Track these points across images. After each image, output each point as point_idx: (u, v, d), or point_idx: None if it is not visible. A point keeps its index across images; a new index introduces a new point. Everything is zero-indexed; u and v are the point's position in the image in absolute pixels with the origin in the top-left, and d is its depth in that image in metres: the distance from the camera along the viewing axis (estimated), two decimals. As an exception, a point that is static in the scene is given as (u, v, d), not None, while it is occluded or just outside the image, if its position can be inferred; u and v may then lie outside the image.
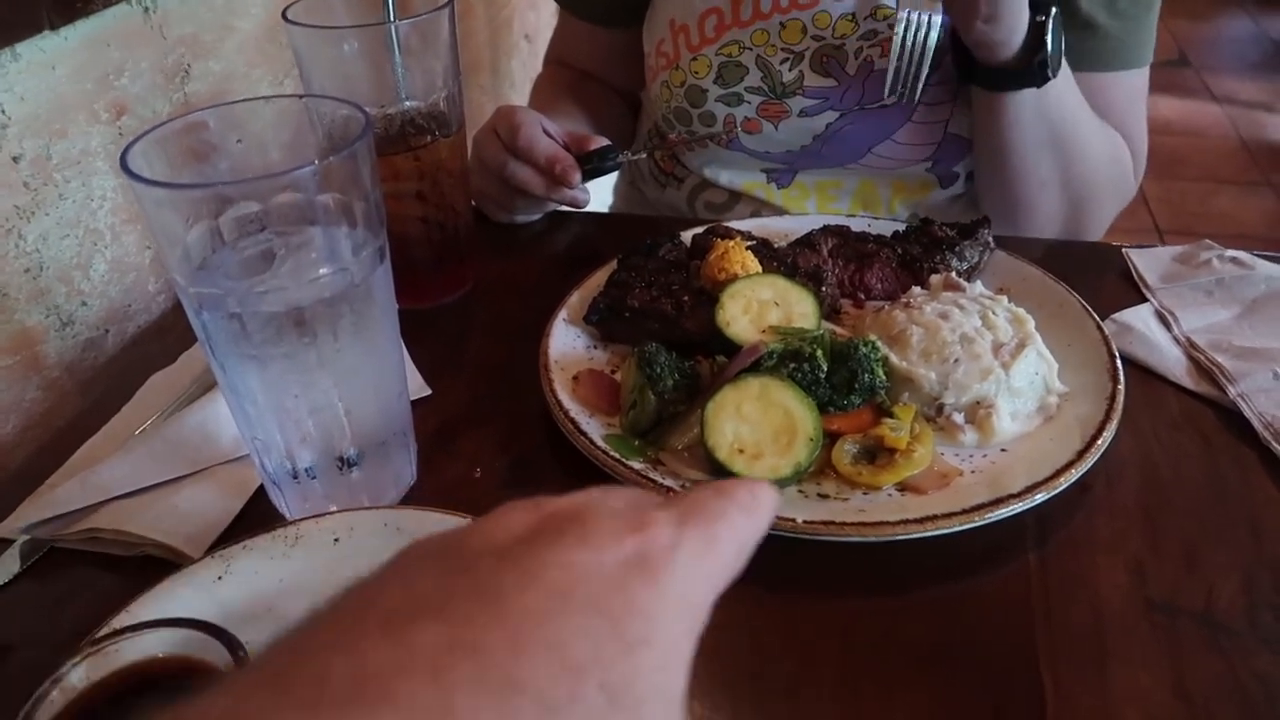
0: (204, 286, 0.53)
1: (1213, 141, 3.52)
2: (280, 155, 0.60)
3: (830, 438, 0.61)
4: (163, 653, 0.43)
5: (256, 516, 0.61)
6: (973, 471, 0.61)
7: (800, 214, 1.04)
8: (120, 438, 0.68)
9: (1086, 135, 0.94)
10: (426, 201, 0.79)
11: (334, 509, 0.58)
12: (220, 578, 0.54)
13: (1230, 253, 0.81)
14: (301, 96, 0.59)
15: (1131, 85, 0.99)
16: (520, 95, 1.69)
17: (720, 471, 0.58)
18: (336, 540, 0.56)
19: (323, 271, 0.55)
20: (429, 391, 0.72)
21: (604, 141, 0.90)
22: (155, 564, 0.58)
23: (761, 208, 1.09)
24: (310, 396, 0.56)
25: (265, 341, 0.54)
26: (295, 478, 0.59)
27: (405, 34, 0.74)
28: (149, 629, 0.44)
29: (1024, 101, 0.87)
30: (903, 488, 0.59)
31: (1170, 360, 0.71)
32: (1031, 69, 0.84)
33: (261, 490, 0.62)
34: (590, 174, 0.89)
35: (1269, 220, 3.03)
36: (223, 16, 0.98)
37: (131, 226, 0.88)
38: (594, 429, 0.63)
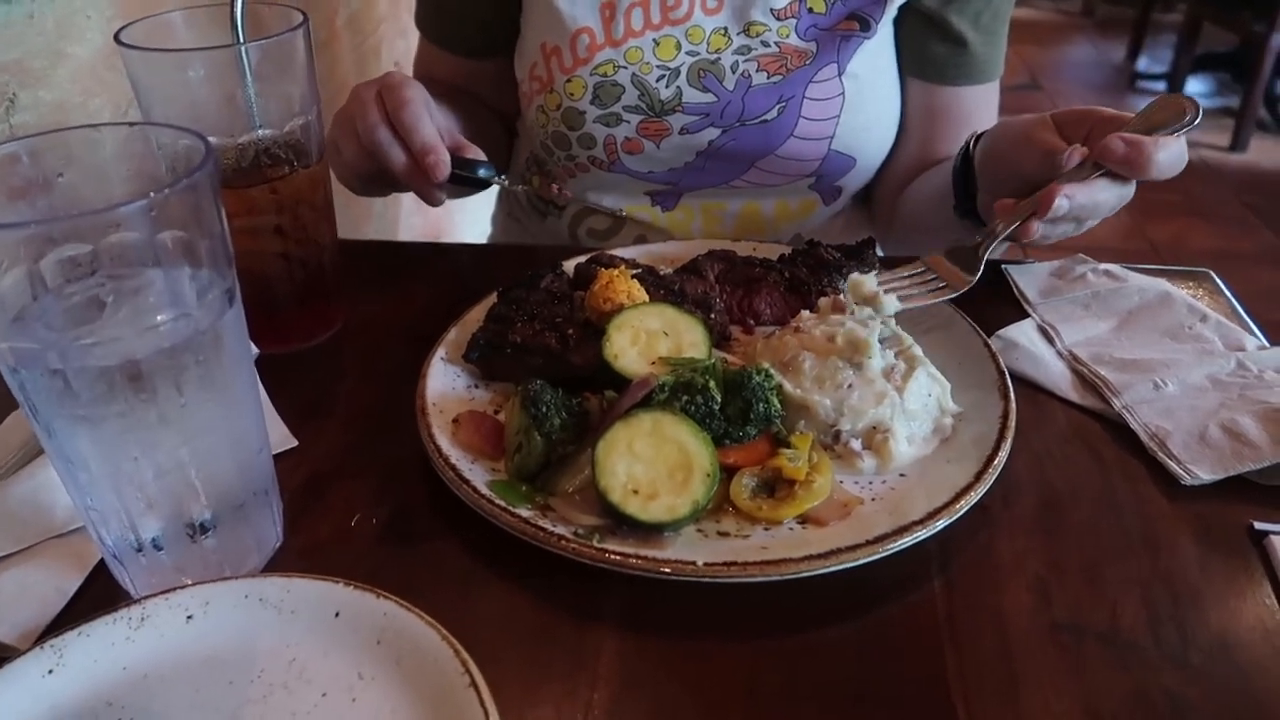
0: (18, 341, 0.46)
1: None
2: (114, 190, 0.54)
3: (727, 471, 0.58)
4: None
5: (97, 596, 0.55)
6: (873, 499, 0.59)
7: (685, 238, 1.02)
8: (-66, 513, 0.60)
9: None
10: (286, 236, 0.73)
11: (187, 582, 0.52)
12: (51, 671, 0.47)
13: (1103, 266, 0.82)
14: (133, 124, 0.53)
15: (990, 96, 1.03)
16: (391, 124, 1.62)
17: (613, 515, 0.55)
18: (190, 618, 0.50)
19: (161, 318, 0.49)
20: (295, 442, 0.66)
21: (480, 154, 0.83)
22: (-27, 659, 0.51)
23: (646, 232, 1.07)
24: (153, 458, 0.50)
25: (96, 400, 0.47)
26: (140, 550, 0.53)
27: (256, 57, 0.68)
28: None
29: None
30: (804, 520, 0.57)
31: (1056, 375, 0.71)
32: None
33: (102, 565, 0.56)
34: (457, 179, 0.81)
35: (1121, 233, 3.21)
36: (53, 41, 0.89)
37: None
38: (477, 475, 0.59)
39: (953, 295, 0.74)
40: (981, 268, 0.75)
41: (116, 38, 0.66)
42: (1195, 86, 4.37)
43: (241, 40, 0.68)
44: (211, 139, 0.66)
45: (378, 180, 0.84)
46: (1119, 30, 4.95)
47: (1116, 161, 0.70)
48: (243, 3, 0.71)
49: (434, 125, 0.78)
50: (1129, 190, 0.74)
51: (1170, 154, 0.70)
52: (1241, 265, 3.01)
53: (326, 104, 0.78)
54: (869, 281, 0.73)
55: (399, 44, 1.66)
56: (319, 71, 1.32)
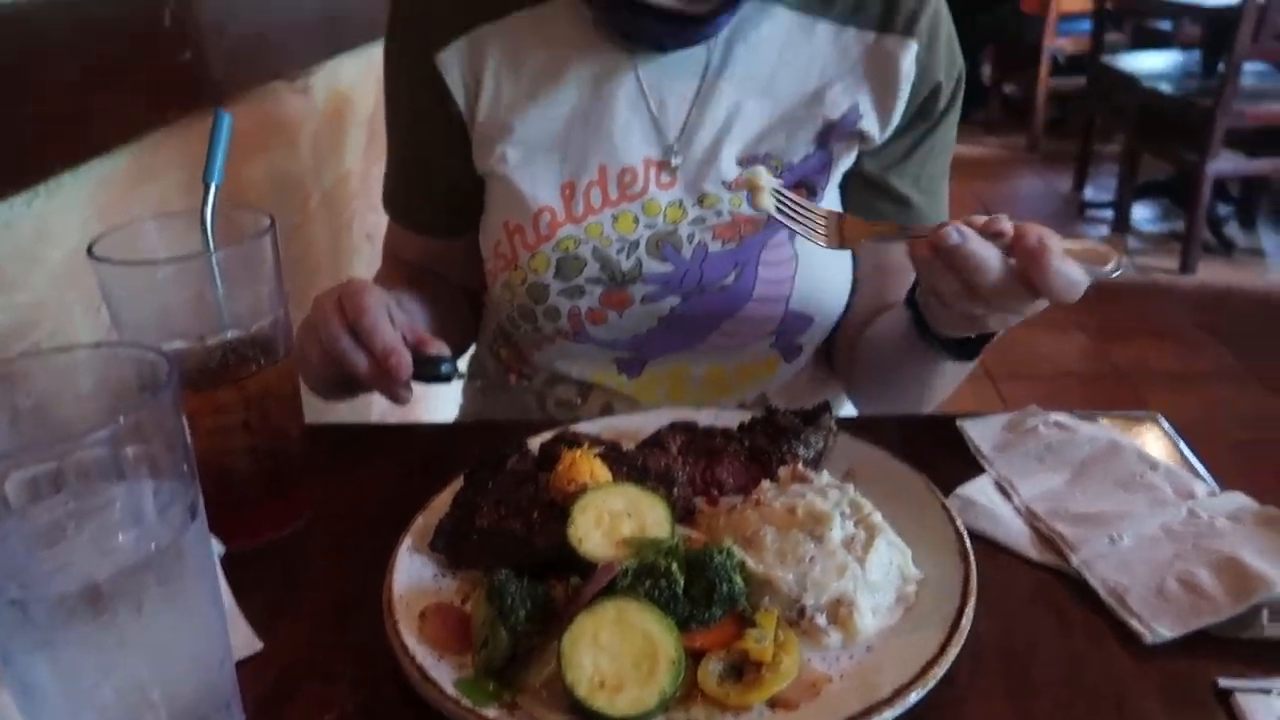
0: (-22, 572, 0.47)
1: (1024, 289, 3.84)
2: (82, 406, 0.55)
3: (694, 656, 0.58)
4: None
5: (50, 826, 0.53)
6: (841, 676, 0.59)
7: (651, 405, 1.04)
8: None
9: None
10: (254, 431, 0.75)
11: (145, 806, 0.51)
12: None
13: (1054, 417, 0.85)
14: (98, 346, 0.55)
15: None
16: (364, 294, 1.67)
17: (581, 711, 0.54)
18: (146, 847, 0.49)
19: (123, 538, 0.50)
20: (260, 646, 0.66)
21: (444, 349, 0.86)
22: None
23: (613, 399, 1.09)
24: (112, 681, 0.50)
25: (54, 626, 0.47)
26: (97, 774, 0.51)
27: (226, 262, 0.71)
28: None
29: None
30: (774, 703, 0.57)
31: (1015, 532, 0.72)
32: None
33: (58, 790, 0.54)
34: (420, 377, 0.84)
35: (1084, 357, 3.29)
36: (30, 247, 0.92)
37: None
38: (444, 673, 0.58)
39: (822, 244, 0.77)
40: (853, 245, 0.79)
41: (89, 251, 0.69)
42: (1141, 213, 4.57)
43: (211, 248, 0.71)
44: (179, 343, 0.69)
45: (345, 385, 0.87)
46: (1064, 162, 5.19)
47: (1024, 248, 0.69)
48: (213, 209, 0.74)
49: (393, 327, 0.80)
50: (1018, 299, 0.73)
51: (1070, 271, 0.69)
52: (1203, 384, 3.07)
53: (302, 287, 0.81)
54: (763, 176, 0.76)
55: (370, 218, 1.72)
56: (294, 254, 1.37)
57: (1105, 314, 3.59)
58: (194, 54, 1.10)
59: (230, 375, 0.73)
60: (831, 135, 0.99)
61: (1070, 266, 0.69)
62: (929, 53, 0.98)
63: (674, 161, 0.99)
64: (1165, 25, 5.02)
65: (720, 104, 0.99)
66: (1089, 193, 4.85)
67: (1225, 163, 3.75)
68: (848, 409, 1.20)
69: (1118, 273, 0.71)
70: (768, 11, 0.98)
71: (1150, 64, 4.40)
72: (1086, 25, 5.16)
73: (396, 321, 0.81)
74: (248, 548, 0.75)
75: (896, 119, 1.00)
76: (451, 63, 1.01)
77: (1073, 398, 3.03)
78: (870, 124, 0.99)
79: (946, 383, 1.01)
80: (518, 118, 1.00)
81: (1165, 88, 3.96)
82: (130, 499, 0.52)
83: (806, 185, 1.00)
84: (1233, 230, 4.25)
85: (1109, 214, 4.51)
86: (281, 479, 0.78)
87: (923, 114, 1.01)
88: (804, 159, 0.99)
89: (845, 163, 1.02)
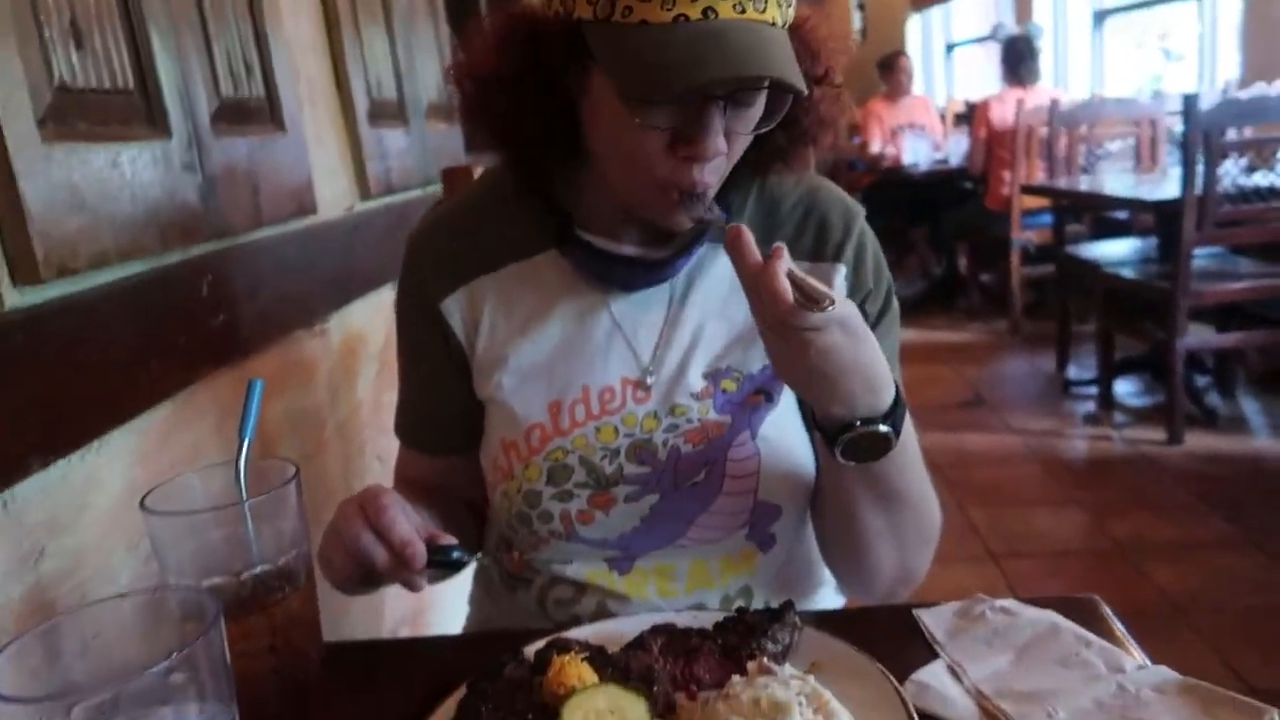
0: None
1: (1018, 469, 3.93)
2: (137, 643, 0.65)
3: (672, 842, 0.65)
4: None
5: None
6: None
7: (641, 600, 1.13)
8: None
9: (917, 487, 1.07)
10: (279, 654, 0.84)
11: None
12: None
13: (999, 603, 0.93)
14: (155, 591, 0.66)
15: None
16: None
17: None
18: None
19: (173, 757, 0.59)
20: None
21: (451, 540, 0.95)
22: None
23: (606, 598, 1.17)
24: None
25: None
26: None
27: (257, 508, 0.83)
28: None
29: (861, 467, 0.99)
30: None
31: (964, 711, 0.80)
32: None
33: None
34: (434, 564, 0.93)
35: (1082, 533, 3.34)
36: (80, 495, 1.04)
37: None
38: None
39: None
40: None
41: (141, 504, 0.81)
42: (1123, 388, 4.72)
43: (245, 497, 0.83)
44: (217, 578, 0.80)
45: (365, 580, 0.96)
46: (1045, 343, 5.39)
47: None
48: (246, 460, 0.87)
49: (409, 523, 0.91)
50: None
51: (779, 285, 0.84)
52: (1203, 553, 3.10)
53: (318, 508, 0.91)
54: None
55: (380, 441, 1.85)
56: (309, 479, 1.49)
57: (1098, 488, 3.67)
58: (227, 317, 1.27)
59: (259, 604, 0.83)
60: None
61: (781, 282, 0.83)
62: (855, 273, 1.15)
63: (648, 380, 1.13)
64: (1122, 215, 5.35)
65: (685, 329, 1.14)
66: (1072, 371, 5.02)
67: (1194, 338, 3.93)
68: (836, 599, 1.28)
69: (831, 307, 0.83)
70: (718, 252, 1.15)
71: (1110, 251, 4.68)
72: (1049, 218, 5.51)
73: (411, 520, 0.92)
74: (272, 764, 0.83)
75: None
76: (453, 308, 1.17)
77: (1073, 573, 3.06)
78: None
79: (871, 527, 1.06)
80: (511, 350, 1.14)
81: (1126, 273, 4.20)
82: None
83: (764, 392, 1.13)
84: (1214, 399, 4.38)
85: (1093, 390, 4.66)
86: (303, 697, 0.86)
87: None
88: (761, 369, 1.13)
89: None
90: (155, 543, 0.82)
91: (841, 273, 1.14)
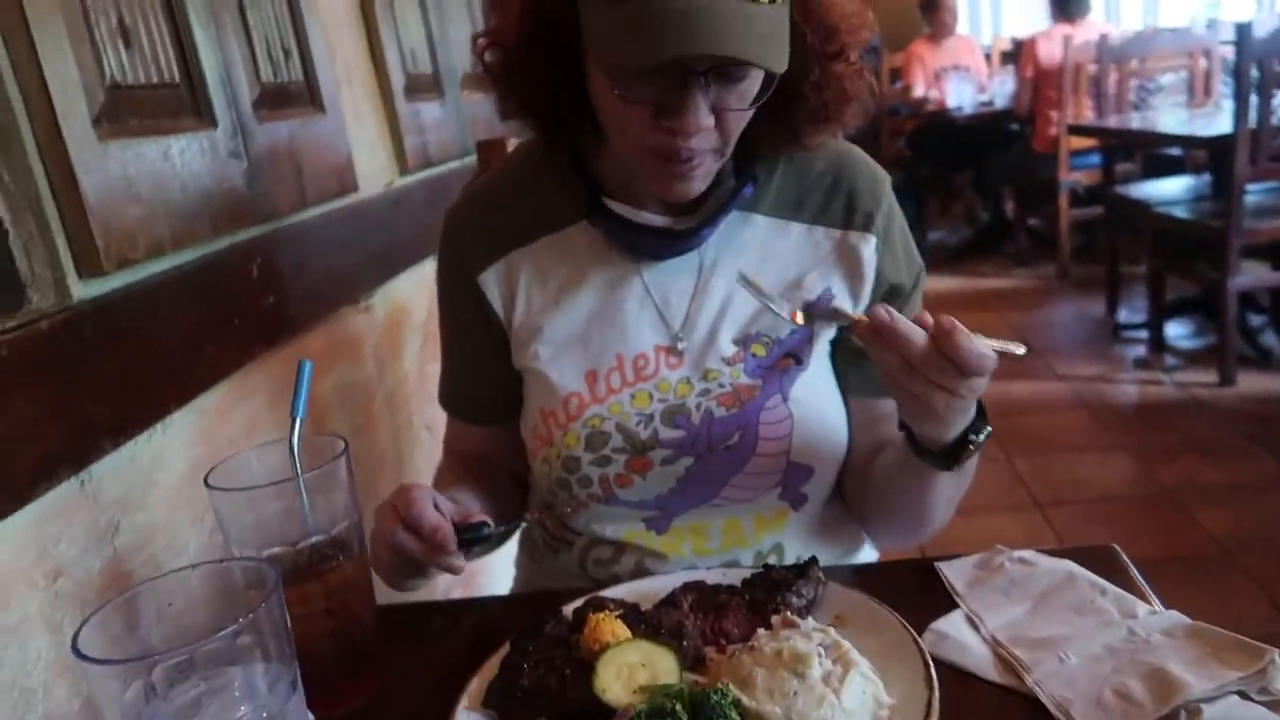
0: (142, 746, 0.62)
1: (1064, 416, 3.90)
2: (206, 610, 0.72)
3: (698, 785, 0.70)
4: None
5: None
6: (824, 793, 0.70)
7: (678, 558, 1.18)
8: None
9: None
10: (335, 617, 0.90)
11: None
12: None
13: (1018, 554, 0.97)
14: (222, 561, 0.72)
15: None
16: (426, 480, 1.85)
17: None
18: None
19: (244, 710, 0.65)
20: (345, 798, 0.79)
21: (481, 517, 1.01)
22: None
23: (644, 556, 1.22)
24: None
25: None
26: None
27: (311, 482, 0.89)
28: None
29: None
30: (766, 818, 0.68)
31: (980, 659, 0.84)
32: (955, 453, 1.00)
33: None
34: (465, 544, 0.99)
35: (1128, 480, 3.32)
36: (148, 473, 1.12)
37: (61, 680, 0.95)
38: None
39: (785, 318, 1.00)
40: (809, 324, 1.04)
41: (205, 481, 0.87)
42: (1174, 330, 4.64)
43: (299, 472, 0.89)
44: (276, 548, 0.86)
45: (411, 572, 1.02)
46: (1094, 287, 5.31)
47: (938, 327, 0.87)
48: (299, 437, 0.93)
49: (439, 512, 0.96)
50: (950, 378, 0.88)
51: (976, 345, 0.86)
52: (1254, 497, 3.08)
53: (369, 479, 0.97)
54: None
55: (427, 410, 1.92)
56: (360, 451, 1.56)
57: (1147, 433, 3.64)
58: (276, 298, 1.33)
59: (315, 571, 0.89)
60: (811, 313, 1.16)
61: (975, 342, 0.87)
62: (885, 243, 1.17)
63: (680, 346, 1.17)
64: (1175, 151, 5.21)
65: (714, 296, 1.17)
66: (1122, 315, 4.94)
67: (1247, 277, 3.85)
68: (865, 554, 1.32)
69: (1022, 350, 0.90)
70: (747, 220, 1.18)
71: (1161, 190, 4.57)
72: (1098, 159, 5.39)
73: (443, 508, 0.98)
74: (332, 716, 0.89)
75: (865, 299, 1.17)
76: (490, 282, 1.22)
77: (1120, 520, 3.06)
78: (844, 302, 1.17)
79: (943, 500, 1.12)
80: (546, 321, 1.19)
81: (1178, 212, 4.11)
82: (246, 679, 0.67)
83: (793, 355, 1.17)
84: (1269, 339, 4.30)
85: (1143, 334, 4.59)
86: (358, 656, 0.93)
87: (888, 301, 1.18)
88: (790, 334, 1.16)
89: (827, 334, 1.19)
90: (219, 516, 0.88)
91: (871, 244, 1.16)
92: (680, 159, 1.01)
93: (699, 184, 1.06)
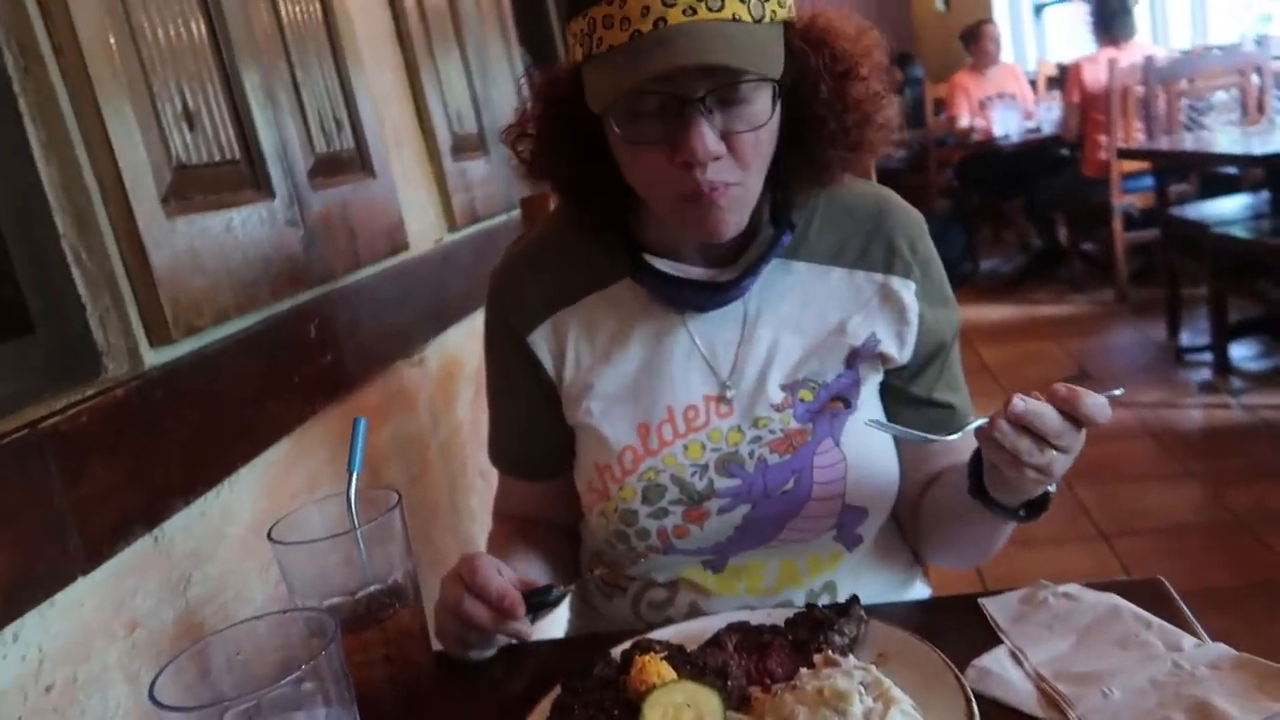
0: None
1: (1128, 443, 3.82)
2: (272, 658, 0.76)
3: (742, 820, 0.72)
4: None
5: None
6: (866, 830, 0.72)
7: (733, 596, 1.19)
8: None
9: None
10: (393, 663, 0.94)
11: None
12: None
13: (1062, 589, 0.97)
14: (285, 612, 0.76)
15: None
16: (480, 526, 1.89)
17: None
18: None
19: (307, 753, 0.69)
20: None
21: (545, 583, 1.06)
22: None
23: (698, 595, 1.24)
24: None
25: (263, 821, 0.66)
26: None
27: (367, 534, 0.93)
28: None
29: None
30: None
31: (1024, 695, 0.84)
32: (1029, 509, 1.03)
33: None
34: (533, 608, 1.04)
35: (1197, 508, 3.23)
36: (218, 526, 1.18)
37: (139, 727, 1.00)
38: None
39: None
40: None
41: (269, 535, 0.92)
42: (1239, 352, 4.53)
43: (356, 525, 0.94)
44: (336, 598, 0.90)
45: (478, 641, 1.06)
46: (1154, 311, 5.19)
47: (1060, 396, 0.90)
48: (356, 491, 0.98)
49: (503, 578, 0.99)
50: (1073, 439, 0.92)
51: (1096, 399, 0.91)
52: (1332, 521, 2.98)
53: (424, 526, 1.01)
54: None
55: (481, 457, 1.96)
56: (414, 500, 1.60)
57: (1215, 459, 3.54)
58: (334, 355, 1.39)
59: (373, 619, 0.93)
60: (857, 358, 1.18)
61: (1095, 396, 0.91)
62: (922, 285, 1.19)
63: (729, 395, 1.19)
64: (1232, 170, 5.12)
65: (761, 344, 1.19)
66: (1184, 338, 4.83)
67: (1313, 295, 3.76)
68: (918, 590, 1.33)
69: (1120, 392, 0.95)
70: (788, 268, 1.20)
71: (1218, 210, 4.49)
72: (1151, 181, 5.31)
73: (505, 575, 1.01)
74: (391, 760, 0.93)
75: (911, 343, 1.19)
76: (540, 341, 1.25)
77: (1190, 550, 2.98)
78: (889, 347, 1.18)
79: (1006, 535, 1.14)
80: (596, 377, 1.22)
81: (1237, 231, 4.03)
82: (309, 723, 0.71)
83: (841, 399, 1.18)
84: (1341, 358, 4.17)
85: (1207, 357, 4.48)
86: (415, 700, 0.96)
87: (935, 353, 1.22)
88: (836, 378, 1.18)
89: (874, 379, 1.21)
90: (283, 568, 0.93)
91: (912, 288, 1.19)
92: (703, 193, 1.02)
93: (730, 218, 1.07)
